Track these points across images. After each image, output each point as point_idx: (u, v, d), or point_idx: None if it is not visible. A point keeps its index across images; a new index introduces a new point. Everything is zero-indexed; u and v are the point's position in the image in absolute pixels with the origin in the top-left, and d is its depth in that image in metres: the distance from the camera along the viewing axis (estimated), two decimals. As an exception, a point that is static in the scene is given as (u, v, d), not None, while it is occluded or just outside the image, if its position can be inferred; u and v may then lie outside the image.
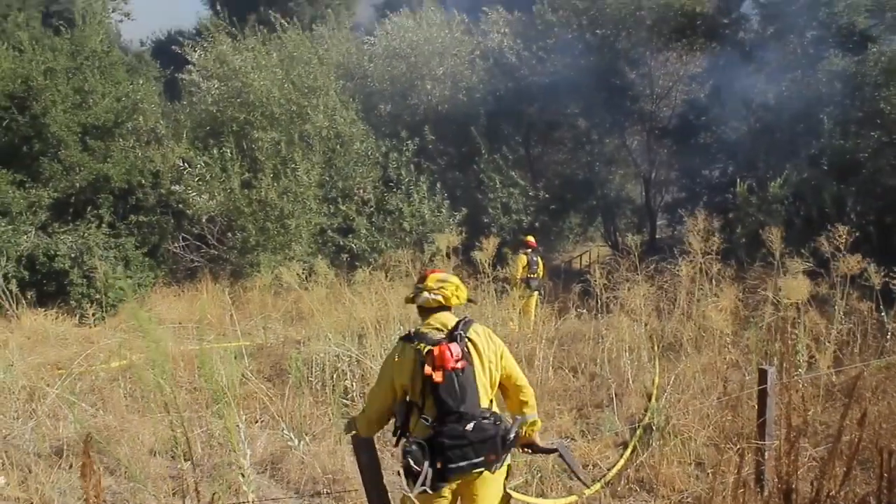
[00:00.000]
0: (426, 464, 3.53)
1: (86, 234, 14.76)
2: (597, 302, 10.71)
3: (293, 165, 15.43)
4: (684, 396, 7.57)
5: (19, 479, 6.30)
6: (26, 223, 14.90)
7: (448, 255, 11.25)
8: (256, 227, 15.10)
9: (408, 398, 3.75)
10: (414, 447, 3.55)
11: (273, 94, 16.54)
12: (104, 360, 9.55)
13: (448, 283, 3.91)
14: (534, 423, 3.92)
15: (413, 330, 3.84)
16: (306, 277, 11.80)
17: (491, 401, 3.74)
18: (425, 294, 3.89)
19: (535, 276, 12.00)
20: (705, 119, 19.08)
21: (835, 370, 8.03)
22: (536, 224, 18.72)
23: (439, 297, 3.87)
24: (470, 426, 3.55)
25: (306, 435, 6.98)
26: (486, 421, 3.59)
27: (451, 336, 3.69)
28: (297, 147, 15.88)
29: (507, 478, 3.87)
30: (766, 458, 5.22)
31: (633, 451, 6.50)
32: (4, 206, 14.75)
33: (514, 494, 4.42)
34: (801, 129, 16.58)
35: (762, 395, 5.48)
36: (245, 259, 15.01)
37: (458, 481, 3.65)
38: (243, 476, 5.87)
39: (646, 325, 9.58)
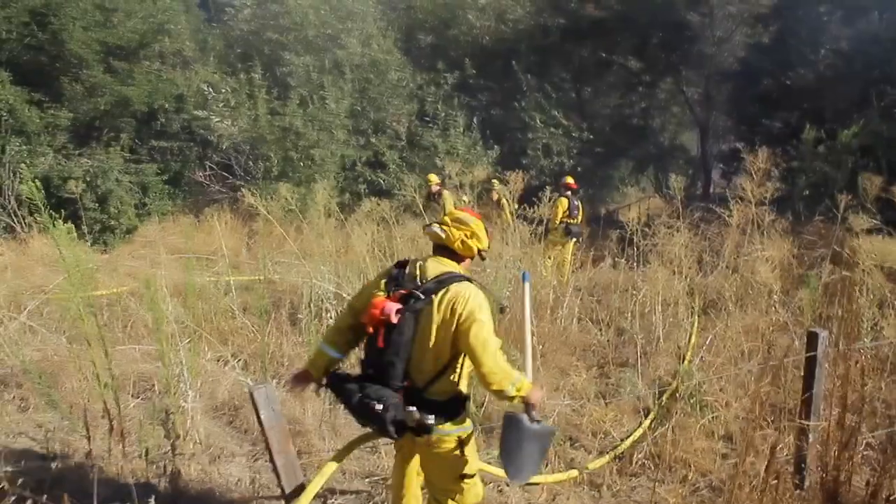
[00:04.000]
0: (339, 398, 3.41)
1: (104, 159, 14.15)
2: (635, 251, 9.71)
3: (322, 93, 14.53)
4: (720, 360, 6.60)
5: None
6: (43, 144, 14.31)
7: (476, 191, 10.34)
8: (280, 157, 14.29)
9: None
10: (334, 374, 3.47)
11: (309, 18, 15.61)
12: (92, 287, 8.92)
13: (465, 226, 3.51)
14: (511, 399, 3.31)
15: (407, 262, 3.50)
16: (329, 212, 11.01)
17: (441, 373, 3.33)
18: (435, 226, 3.54)
19: (575, 221, 11.00)
20: (769, 64, 17.56)
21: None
22: (579, 168, 17.54)
23: (442, 234, 3.49)
24: (357, 397, 3.25)
25: (275, 377, 6.22)
26: (372, 398, 3.20)
27: (415, 294, 3.32)
28: (327, 74, 14.95)
29: (460, 450, 3.45)
30: (809, 441, 4.23)
31: (653, 421, 5.58)
32: (20, 126, 14.17)
33: (483, 466, 4.07)
34: (876, 77, 15.09)
35: (810, 364, 4.50)
36: (268, 189, 14.23)
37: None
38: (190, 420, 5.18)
39: (686, 277, 8.60)
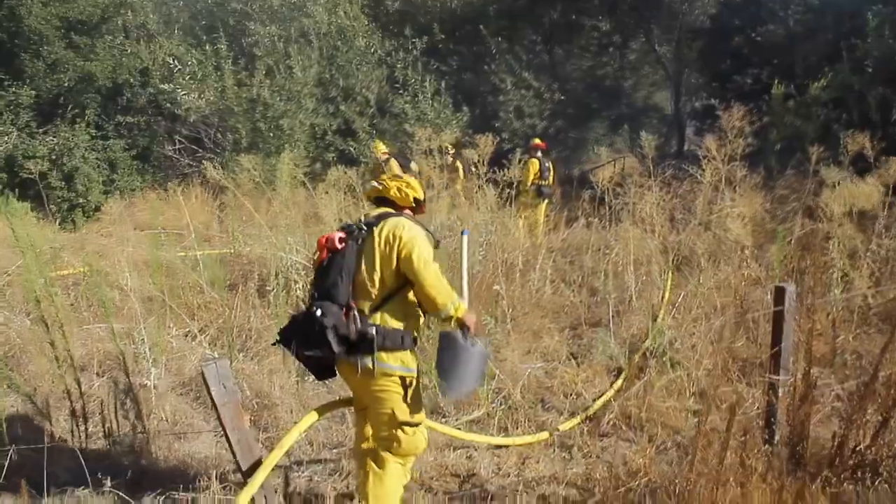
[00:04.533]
0: (292, 350, 3.56)
1: (69, 136, 13.87)
2: (608, 210, 9.66)
3: (288, 62, 14.28)
4: (691, 316, 6.57)
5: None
6: (6, 123, 14.00)
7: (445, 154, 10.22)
8: (248, 128, 14.07)
9: None
10: (284, 329, 3.61)
11: (272, -14, 15.33)
12: (56, 266, 8.78)
13: (400, 179, 3.86)
14: (447, 320, 3.59)
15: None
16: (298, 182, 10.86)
17: (385, 300, 3.55)
18: (373, 181, 3.91)
19: (547, 182, 10.96)
20: (740, 21, 17.43)
21: (873, 291, 6.96)
22: (551, 130, 17.45)
23: (379, 186, 3.82)
24: (302, 315, 3.54)
25: (242, 351, 6.13)
26: (316, 310, 3.42)
27: (359, 227, 3.65)
28: (294, 43, 14.69)
29: (403, 394, 3.59)
30: (779, 396, 4.20)
31: (624, 381, 5.54)
32: (-21, 105, 13.86)
33: (430, 424, 4.15)
34: (846, 30, 15.00)
35: (777, 318, 4.45)
36: (235, 162, 14.01)
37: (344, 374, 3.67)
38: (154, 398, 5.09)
39: (658, 235, 8.56)
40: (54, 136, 14.01)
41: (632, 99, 20.60)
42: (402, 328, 3.56)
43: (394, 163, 11.19)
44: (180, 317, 7.13)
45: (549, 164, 11.19)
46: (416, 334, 3.67)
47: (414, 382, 3.62)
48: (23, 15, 14.23)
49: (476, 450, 4.63)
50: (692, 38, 19.02)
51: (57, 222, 12.68)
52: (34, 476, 3.98)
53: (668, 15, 18.89)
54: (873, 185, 7.64)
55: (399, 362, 3.53)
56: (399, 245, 3.50)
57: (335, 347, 3.37)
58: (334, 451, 4.77)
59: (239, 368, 5.74)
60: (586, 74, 20.62)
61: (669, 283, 7.70)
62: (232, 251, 9.49)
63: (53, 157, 13.60)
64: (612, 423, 4.95)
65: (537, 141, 11.52)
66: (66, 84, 14.78)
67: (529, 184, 10.74)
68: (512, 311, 6.80)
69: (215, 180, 10.78)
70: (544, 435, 4.76)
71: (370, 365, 3.45)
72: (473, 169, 8.91)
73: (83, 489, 3.97)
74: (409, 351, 3.58)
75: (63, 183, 13.34)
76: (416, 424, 3.66)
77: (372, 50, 16.11)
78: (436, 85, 15.83)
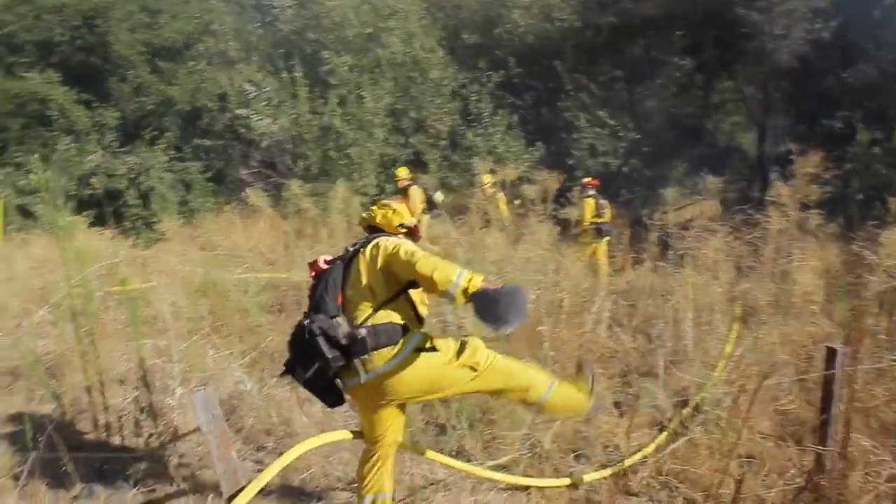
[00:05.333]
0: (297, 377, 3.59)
1: (147, 157, 14.32)
2: (673, 254, 9.33)
3: (360, 91, 14.43)
4: (748, 372, 6.19)
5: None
6: (92, 143, 14.54)
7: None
8: (318, 155, 14.24)
9: None
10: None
11: (349, 17, 15.55)
12: (118, 282, 8.97)
13: (386, 206, 3.92)
14: (464, 292, 3.26)
15: None
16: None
17: (379, 308, 3.52)
18: (362, 214, 4.07)
19: (604, 220, 10.73)
20: (829, 61, 16.81)
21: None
22: (625, 169, 17.09)
23: (365, 214, 4.01)
24: (293, 335, 3.56)
25: (277, 378, 6.07)
26: (304, 326, 3.43)
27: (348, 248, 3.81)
28: (367, 73, 14.85)
29: (431, 359, 3.55)
30: (826, 468, 3.85)
31: (667, 436, 5.22)
32: (70, 125, 14.42)
33: (431, 455, 4.20)
34: (944, 74, 14.33)
35: (827, 382, 4.11)
36: (309, 188, 14.20)
37: (365, 394, 3.60)
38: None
39: (723, 283, 8.18)
40: (134, 156, 14.47)
41: (713, 140, 20.02)
42: (394, 322, 3.50)
43: (414, 190, 11.23)
44: (228, 338, 7.16)
45: (605, 202, 10.99)
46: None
47: (430, 342, 3.56)
48: (112, 41, 14.82)
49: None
50: (779, 79, 18.41)
51: (130, 239, 13.05)
52: (54, 485, 4.01)
53: (754, 54, 18.30)
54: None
55: (400, 347, 3.47)
56: (382, 252, 3.55)
57: (327, 353, 3.36)
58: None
59: (270, 395, 5.67)
60: (666, 113, 20.16)
61: (733, 334, 7.32)
62: (287, 276, 9.53)
63: (132, 175, 14.04)
64: (645, 481, 4.65)
65: (590, 179, 11.36)
66: (148, 107, 15.30)
67: (588, 223, 10.54)
68: (555, 353, 6.54)
69: (292, 203, 10.93)
70: (566, 480, 4.50)
71: (377, 368, 3.43)
72: (531, 205, 8.73)
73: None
74: (403, 337, 3.50)
75: (139, 201, 13.75)
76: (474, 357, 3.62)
77: (446, 82, 16.11)
78: (508, 119, 15.73)
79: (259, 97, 14.94)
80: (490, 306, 3.20)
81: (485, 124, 15.61)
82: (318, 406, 5.52)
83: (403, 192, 11.50)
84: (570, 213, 8.91)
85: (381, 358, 3.43)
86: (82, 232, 12.25)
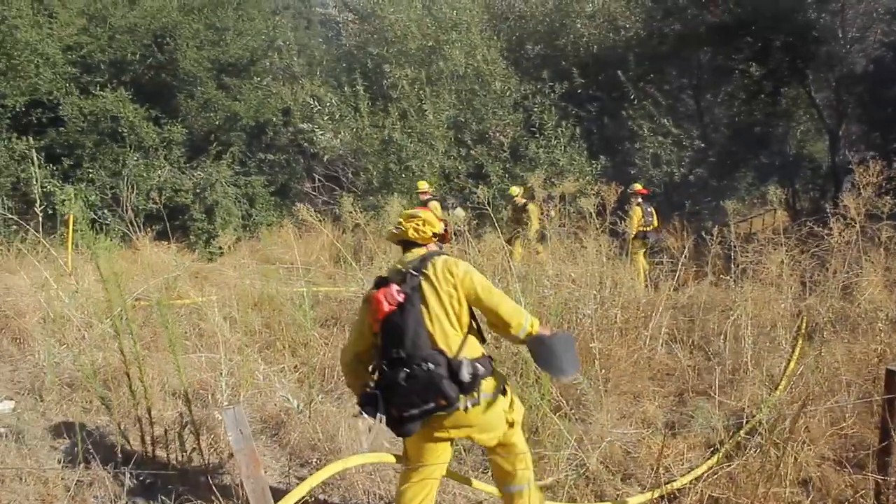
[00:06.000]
0: (378, 412, 3.44)
1: (212, 171, 14.64)
2: (736, 267, 9.05)
3: (421, 104, 14.49)
4: (810, 392, 5.94)
5: (28, 406, 6.08)
6: (160, 158, 14.94)
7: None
8: (379, 169, 14.33)
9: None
10: (366, 394, 3.52)
11: (411, 30, 15.65)
12: (177, 295, 9.18)
13: (414, 219, 3.80)
14: (528, 335, 3.60)
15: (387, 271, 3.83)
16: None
17: (465, 336, 3.56)
18: (391, 227, 3.91)
19: (651, 227, 10.64)
20: (908, 64, 16.16)
21: None
22: (691, 178, 16.73)
23: (396, 231, 3.83)
24: (403, 374, 3.39)
25: (324, 392, 6.08)
26: (421, 366, 3.37)
27: (402, 276, 3.60)
28: (426, 85, 14.90)
29: (509, 405, 3.70)
30: (885, 499, 3.65)
31: (719, 459, 5.03)
32: (139, 142, 14.84)
33: (475, 483, 4.19)
34: None
35: (889, 407, 3.89)
36: (367, 201, 14.29)
37: (440, 426, 3.52)
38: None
39: (787, 297, 7.91)
40: (200, 171, 14.81)
41: (782, 149, 19.42)
42: (485, 354, 3.64)
43: (434, 204, 11.32)
44: (280, 352, 7.23)
45: (651, 209, 10.89)
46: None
47: (508, 392, 3.72)
48: (179, 59, 15.21)
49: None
50: (852, 84, 17.78)
51: (195, 252, 13.34)
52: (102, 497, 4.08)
53: (825, 59, 17.74)
54: None
55: (493, 385, 3.59)
56: (461, 282, 3.56)
57: (452, 394, 3.38)
58: None
59: (317, 410, 5.68)
60: (734, 121, 19.67)
61: (797, 351, 7.06)
62: (342, 289, 9.59)
63: (197, 190, 14.35)
64: (694, 504, 4.49)
65: (638, 187, 11.40)
66: (215, 122, 15.64)
67: (635, 231, 10.45)
68: (607, 371, 6.40)
69: (351, 218, 11.03)
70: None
71: (477, 400, 3.50)
72: (589, 218, 8.58)
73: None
74: (494, 371, 3.64)
75: (203, 215, 14.04)
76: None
77: (508, 93, 16.04)
78: (571, 130, 15.58)
79: (322, 111, 15.13)
80: (550, 358, 3.56)
81: (547, 136, 15.46)
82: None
83: (424, 206, 11.59)
84: (624, 225, 8.73)
85: (484, 388, 3.54)
86: (148, 246, 12.61)
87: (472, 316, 3.65)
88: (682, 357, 7.43)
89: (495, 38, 16.62)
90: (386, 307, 3.49)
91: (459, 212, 11.30)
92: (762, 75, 18.33)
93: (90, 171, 14.34)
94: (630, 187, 11.37)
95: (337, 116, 15.00)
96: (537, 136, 15.79)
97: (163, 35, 15.67)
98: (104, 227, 13.10)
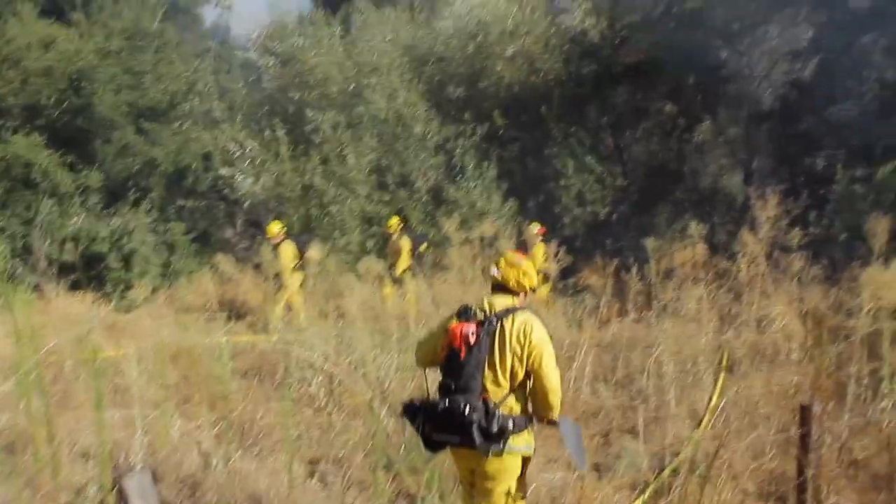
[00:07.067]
0: (415, 424, 3.88)
1: (130, 219, 14.28)
2: (657, 303, 9.22)
3: (342, 149, 14.47)
4: (732, 427, 6.03)
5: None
6: (75, 205, 14.51)
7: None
8: (301, 214, 14.20)
9: None
10: (410, 405, 3.93)
11: (332, 74, 15.67)
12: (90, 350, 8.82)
13: (516, 267, 4.05)
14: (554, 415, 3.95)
15: (472, 303, 4.01)
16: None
17: (512, 390, 3.84)
18: (493, 269, 4.12)
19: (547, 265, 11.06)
20: (811, 100, 16.85)
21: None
22: (614, 217, 17.04)
23: (498, 277, 4.06)
24: (444, 403, 3.73)
25: (242, 448, 5.89)
26: (462, 403, 3.66)
27: (485, 319, 3.86)
28: (348, 129, 14.90)
29: (522, 470, 3.95)
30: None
31: (646, 500, 5.05)
32: (53, 188, 14.40)
33: None
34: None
35: (803, 442, 3.95)
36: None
37: (459, 455, 3.95)
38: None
39: (706, 332, 8.06)
40: (118, 218, 14.43)
41: (698, 184, 19.97)
42: (526, 412, 3.91)
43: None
44: (198, 406, 7.01)
45: (547, 248, 11.31)
46: None
47: (529, 461, 4.00)
48: (96, 103, 14.89)
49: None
50: (761, 120, 18.46)
51: (111, 302, 12.92)
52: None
53: (735, 96, 18.43)
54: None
55: (524, 443, 3.88)
56: (530, 346, 3.80)
57: (477, 440, 3.64)
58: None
59: (237, 468, 5.50)
60: (652, 159, 20.18)
61: (719, 386, 7.17)
62: (263, 339, 9.41)
63: (114, 238, 13.96)
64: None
65: (538, 226, 11.61)
66: (133, 168, 15.31)
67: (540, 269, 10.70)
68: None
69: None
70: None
71: (501, 449, 3.74)
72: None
73: None
74: (528, 430, 3.91)
75: (120, 264, 13.66)
76: (525, 497, 4.05)
77: (430, 136, 16.11)
78: (491, 172, 15.72)
79: (243, 156, 14.96)
80: (575, 443, 4.03)
81: (468, 178, 15.56)
82: (285, 479, 5.35)
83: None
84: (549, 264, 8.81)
85: (511, 442, 3.79)
86: (61, 297, 12.15)
87: (528, 376, 3.88)
88: (606, 396, 7.48)
89: (416, 80, 16.67)
90: (457, 343, 3.79)
91: (315, 252, 11.24)
92: (676, 113, 18.92)
93: (0, 219, 13.82)
94: (528, 229, 11.59)
95: (258, 161, 14.84)
96: (458, 178, 15.90)
97: (79, 79, 15.33)
98: (13, 278, 12.61)
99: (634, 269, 9.65)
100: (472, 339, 3.76)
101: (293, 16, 19.24)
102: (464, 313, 3.90)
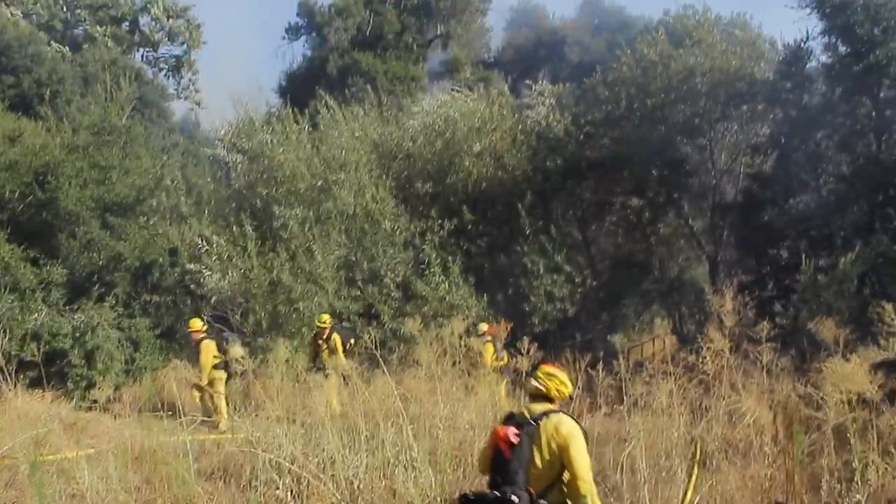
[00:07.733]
0: None
1: (93, 314, 14.02)
2: (628, 398, 9.13)
3: (310, 245, 14.49)
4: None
5: None
6: (37, 300, 14.23)
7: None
8: (267, 311, 14.09)
9: None
10: (466, 496, 4.36)
11: (300, 170, 15.81)
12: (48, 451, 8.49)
13: (554, 378, 4.48)
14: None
15: (517, 412, 4.51)
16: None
17: (553, 483, 4.23)
18: (532, 381, 4.55)
19: (503, 362, 11.50)
20: (771, 193, 17.34)
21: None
22: (583, 313, 17.16)
23: (541, 388, 4.47)
24: (494, 495, 4.20)
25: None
26: (508, 494, 4.08)
27: (527, 422, 4.30)
28: (316, 224, 14.96)
29: None
30: None
31: None
32: (14, 283, 14.14)
33: None
34: (881, 200, 14.76)
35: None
36: (257, 343, 13.90)
37: None
38: None
39: (678, 426, 7.96)
40: (81, 314, 14.16)
41: (665, 276, 20.21)
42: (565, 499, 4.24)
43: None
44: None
45: (500, 346, 11.78)
46: None
47: None
48: (61, 198, 14.83)
49: None
50: (724, 212, 18.90)
51: (72, 401, 12.56)
52: None
53: (698, 189, 18.94)
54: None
55: None
56: (560, 439, 4.20)
57: None
58: None
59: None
60: (619, 251, 20.46)
61: (693, 480, 7.05)
62: (230, 437, 9.12)
63: (77, 334, 13.68)
64: None
65: (485, 327, 12.23)
66: (98, 263, 15.15)
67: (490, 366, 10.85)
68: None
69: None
70: None
71: None
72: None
73: None
74: None
75: (83, 360, 13.34)
76: None
77: (398, 232, 16.20)
78: (461, 266, 15.78)
79: (210, 252, 14.90)
80: None
81: (435, 273, 15.60)
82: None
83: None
84: (520, 363, 8.81)
85: None
86: (20, 395, 11.77)
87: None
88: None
89: (384, 176, 16.86)
90: (502, 444, 4.24)
91: (237, 349, 11.07)
92: (641, 206, 19.30)
93: (-43, 314, 13.49)
94: (477, 328, 11.90)
95: (225, 257, 14.78)
96: (426, 273, 15.94)
97: (44, 173, 15.30)
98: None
99: (603, 364, 9.60)
100: (515, 440, 4.20)
101: (262, 112, 19.61)
102: (509, 419, 4.40)
